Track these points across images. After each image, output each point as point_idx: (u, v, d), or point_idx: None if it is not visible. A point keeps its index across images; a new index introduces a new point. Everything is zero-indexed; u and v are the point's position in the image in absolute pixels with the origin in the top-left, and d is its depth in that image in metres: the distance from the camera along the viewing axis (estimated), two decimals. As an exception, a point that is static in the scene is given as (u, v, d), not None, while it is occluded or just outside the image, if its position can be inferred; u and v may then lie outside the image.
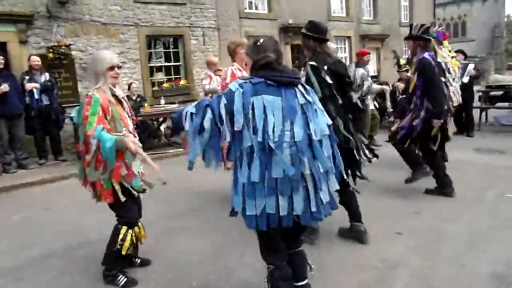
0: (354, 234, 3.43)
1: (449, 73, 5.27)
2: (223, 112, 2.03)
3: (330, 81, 3.10)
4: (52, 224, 4.44)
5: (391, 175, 5.17)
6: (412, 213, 4.09)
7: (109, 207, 2.94)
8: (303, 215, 2.09)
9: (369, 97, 6.96)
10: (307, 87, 2.27)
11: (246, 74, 3.90)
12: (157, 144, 8.85)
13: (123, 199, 2.82)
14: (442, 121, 4.22)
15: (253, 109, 2.03)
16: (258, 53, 2.19)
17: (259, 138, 2.00)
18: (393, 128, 4.58)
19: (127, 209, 2.93)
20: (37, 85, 6.81)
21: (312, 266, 2.51)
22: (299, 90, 2.18)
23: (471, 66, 7.61)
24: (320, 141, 2.13)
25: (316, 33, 3.24)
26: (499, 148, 6.68)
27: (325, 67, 3.12)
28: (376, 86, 7.21)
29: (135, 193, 2.92)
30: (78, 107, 2.86)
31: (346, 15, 15.37)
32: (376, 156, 3.48)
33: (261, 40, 2.26)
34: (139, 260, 3.29)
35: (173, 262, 3.33)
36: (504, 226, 3.62)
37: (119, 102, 2.94)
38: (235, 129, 2.05)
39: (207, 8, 10.88)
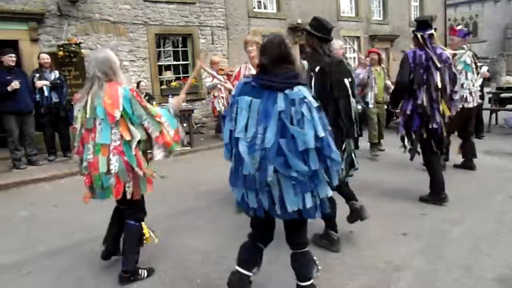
0: (354, 214, 3.44)
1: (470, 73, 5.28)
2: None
3: (313, 84, 2.99)
4: (59, 220, 4.50)
5: (396, 176, 5.15)
6: (418, 214, 4.07)
7: (131, 204, 2.98)
8: (270, 211, 2.25)
9: (372, 100, 6.83)
10: (299, 93, 2.14)
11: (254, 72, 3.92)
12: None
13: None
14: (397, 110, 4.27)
15: (237, 107, 2.22)
16: (260, 54, 2.29)
17: (235, 135, 2.20)
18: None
19: (144, 204, 3.13)
20: (47, 82, 6.91)
21: (320, 268, 2.54)
22: (283, 95, 2.13)
23: (484, 68, 7.51)
24: (304, 151, 2.09)
25: (319, 32, 3.16)
26: (509, 151, 6.61)
27: (317, 68, 3.05)
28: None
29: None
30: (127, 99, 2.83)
31: (356, 15, 15.30)
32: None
33: (265, 40, 2.32)
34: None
35: (177, 260, 3.36)
36: (511, 230, 3.59)
37: None
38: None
39: (216, 7, 10.91)
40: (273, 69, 2.19)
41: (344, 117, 3.05)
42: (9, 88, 6.27)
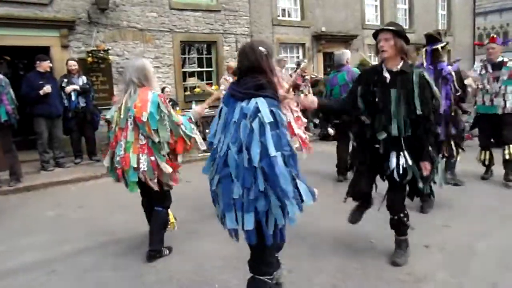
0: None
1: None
2: None
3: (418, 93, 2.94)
4: (84, 221, 4.61)
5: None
6: (441, 226, 3.97)
7: (159, 194, 3.35)
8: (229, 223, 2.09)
9: None
10: (254, 106, 1.98)
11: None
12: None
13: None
14: None
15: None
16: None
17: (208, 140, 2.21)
18: None
19: (169, 193, 3.48)
20: (77, 87, 7.14)
21: None
22: (240, 106, 2.04)
23: None
24: (255, 167, 1.92)
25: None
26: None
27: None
28: None
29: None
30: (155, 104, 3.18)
31: (380, 23, 15.13)
32: None
33: (240, 49, 2.28)
34: None
35: (197, 264, 3.39)
36: (541, 246, 3.46)
37: None
38: None
39: (241, 15, 11.03)
40: (242, 78, 2.13)
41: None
42: (41, 92, 6.52)
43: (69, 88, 7.05)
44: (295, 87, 9.79)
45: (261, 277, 2.19)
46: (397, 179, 3.00)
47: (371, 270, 3.13)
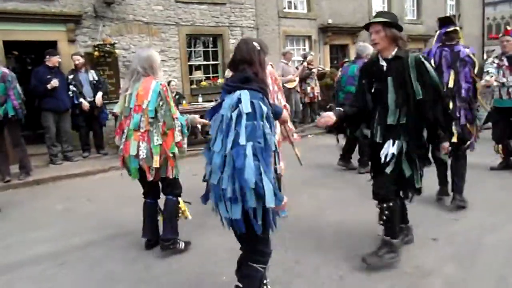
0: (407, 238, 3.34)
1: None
2: None
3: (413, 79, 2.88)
4: (92, 214, 4.66)
5: (429, 179, 4.99)
6: (450, 219, 3.94)
7: (167, 181, 3.39)
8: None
9: None
10: (236, 98, 2.05)
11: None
12: (194, 141, 9.04)
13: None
14: None
15: None
16: None
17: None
18: None
19: (178, 181, 3.47)
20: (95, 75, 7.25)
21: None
22: (229, 99, 2.10)
23: None
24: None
25: (397, 25, 2.94)
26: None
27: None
28: None
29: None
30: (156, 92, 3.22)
31: (388, 14, 14.97)
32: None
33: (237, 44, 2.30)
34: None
35: (205, 256, 3.42)
36: (550, 239, 3.43)
37: None
38: None
39: (247, 7, 10.98)
40: (233, 72, 2.20)
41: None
42: (48, 86, 6.58)
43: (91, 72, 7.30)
44: (302, 80, 9.77)
45: (253, 264, 2.22)
46: (382, 164, 2.95)
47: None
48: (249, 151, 1.93)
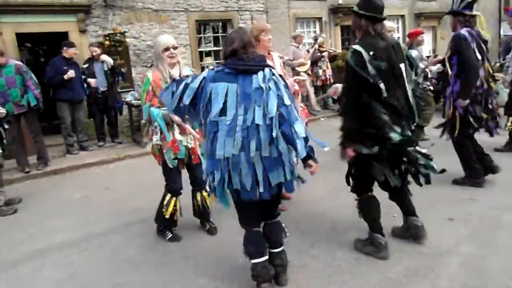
0: (410, 231, 3.11)
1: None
2: (181, 87, 2.40)
3: (371, 71, 2.64)
4: (110, 202, 4.76)
5: (442, 160, 4.93)
6: (467, 199, 3.92)
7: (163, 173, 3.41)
8: (251, 191, 2.33)
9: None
10: (269, 72, 2.34)
11: (270, 62, 3.80)
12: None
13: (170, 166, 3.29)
14: (466, 102, 3.96)
15: (211, 93, 2.30)
16: (226, 46, 2.42)
17: (210, 119, 2.29)
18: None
19: (170, 178, 3.38)
20: (111, 61, 7.29)
21: (288, 234, 2.84)
22: (257, 76, 2.30)
23: None
24: (270, 124, 2.24)
25: (368, 11, 2.73)
26: None
27: (371, 53, 2.65)
28: (434, 67, 6.81)
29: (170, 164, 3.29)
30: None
31: (400, -8, 14.60)
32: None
33: (231, 32, 2.48)
34: (207, 227, 3.71)
35: (222, 239, 3.48)
36: None
37: None
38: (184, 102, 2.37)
39: (255, -10, 10.82)
40: (243, 54, 2.34)
41: (401, 108, 2.75)
42: (65, 77, 6.65)
43: (104, 57, 7.25)
44: (313, 62, 9.66)
45: (278, 219, 2.71)
46: None
47: (393, 243, 3.12)
48: (295, 111, 2.33)
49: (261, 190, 2.32)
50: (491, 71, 4.16)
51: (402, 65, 2.78)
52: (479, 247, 3.01)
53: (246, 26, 2.56)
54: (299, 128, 2.27)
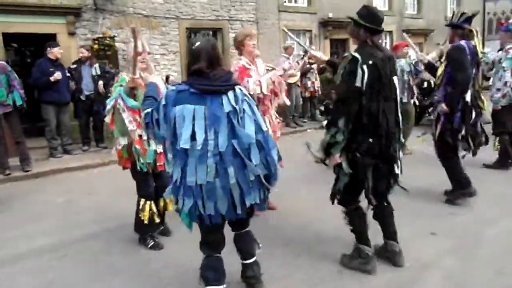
0: (388, 254, 3.06)
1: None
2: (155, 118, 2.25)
3: (367, 81, 2.64)
4: (92, 207, 4.68)
5: (425, 174, 5.01)
6: (448, 214, 3.97)
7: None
8: (227, 214, 2.25)
9: (405, 93, 6.69)
10: (240, 92, 2.24)
11: (254, 68, 3.86)
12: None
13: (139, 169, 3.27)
14: (446, 108, 3.96)
15: (175, 117, 2.13)
16: (192, 60, 2.23)
17: (179, 147, 2.13)
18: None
19: (142, 182, 3.36)
20: (97, 66, 7.19)
21: (260, 245, 2.68)
22: (227, 97, 2.17)
23: None
24: (248, 149, 2.16)
25: (368, 22, 2.74)
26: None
27: (370, 62, 2.66)
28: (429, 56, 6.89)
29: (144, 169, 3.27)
30: None
31: (389, 9, 14.92)
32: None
33: (196, 44, 2.24)
34: (161, 228, 3.67)
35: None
36: (548, 233, 3.45)
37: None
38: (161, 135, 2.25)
39: (247, 1, 10.92)
40: (209, 73, 2.17)
41: (391, 120, 2.76)
42: (52, 79, 6.56)
43: (93, 64, 7.18)
44: (302, 74, 9.75)
45: (248, 229, 2.61)
46: None
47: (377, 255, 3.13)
48: (270, 137, 2.29)
49: (239, 212, 2.25)
50: (478, 87, 4.20)
51: (395, 78, 2.81)
52: (461, 261, 3.04)
53: (211, 38, 2.29)
54: (275, 155, 2.26)
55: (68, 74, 7.07)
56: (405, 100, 6.58)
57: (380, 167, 2.77)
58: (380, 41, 2.92)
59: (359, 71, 2.64)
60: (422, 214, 3.97)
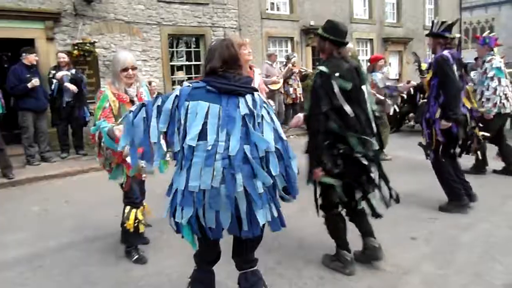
0: (368, 253, 3.07)
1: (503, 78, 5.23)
2: (154, 113, 2.03)
3: (337, 93, 2.70)
4: (70, 216, 4.56)
5: (405, 180, 5.08)
6: (428, 219, 4.02)
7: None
8: (230, 229, 2.02)
9: (388, 101, 6.94)
10: (259, 98, 2.10)
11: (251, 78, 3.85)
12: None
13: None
14: (449, 124, 3.92)
15: (186, 113, 1.97)
16: (206, 61, 2.13)
17: (186, 144, 1.94)
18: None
19: (130, 191, 3.23)
20: (68, 73, 6.99)
21: None
22: (245, 100, 2.02)
23: None
24: (262, 158, 1.99)
25: (334, 35, 2.84)
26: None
27: (337, 74, 2.72)
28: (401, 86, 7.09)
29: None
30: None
31: (369, 17, 15.21)
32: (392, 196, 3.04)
33: (212, 44, 2.17)
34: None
35: (186, 257, 3.36)
36: (523, 237, 3.53)
37: (131, 101, 3.08)
38: (160, 130, 2.02)
39: (229, 8, 10.95)
40: (225, 72, 2.05)
41: (367, 128, 2.82)
42: (29, 85, 6.41)
43: (59, 74, 6.89)
44: (284, 80, 9.82)
45: (256, 268, 2.26)
46: None
47: (356, 261, 3.14)
48: (289, 147, 2.13)
49: (245, 228, 1.99)
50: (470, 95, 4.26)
51: (364, 87, 2.87)
52: (439, 266, 3.08)
53: (232, 36, 2.17)
54: (295, 167, 2.09)
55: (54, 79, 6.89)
56: (377, 114, 6.79)
57: (352, 175, 2.81)
58: (350, 51, 3.01)
59: (330, 84, 2.71)
60: (403, 219, 4.01)
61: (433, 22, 4.15)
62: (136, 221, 3.28)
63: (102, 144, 3.04)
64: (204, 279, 2.28)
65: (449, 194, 4.21)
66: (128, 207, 3.28)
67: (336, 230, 3.02)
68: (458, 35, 4.27)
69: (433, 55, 4.21)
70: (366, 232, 3.08)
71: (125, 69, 3.03)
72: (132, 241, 3.38)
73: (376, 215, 3.02)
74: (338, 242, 3.04)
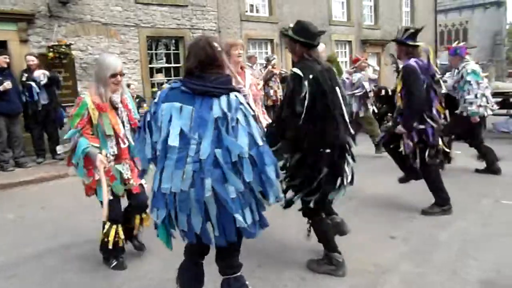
0: (335, 229, 3.15)
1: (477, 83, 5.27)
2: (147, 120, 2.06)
3: (311, 94, 2.69)
4: (47, 222, 4.44)
5: (385, 180, 5.17)
6: (407, 218, 4.09)
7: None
8: (202, 235, 1.97)
9: (368, 102, 7.12)
10: (236, 99, 1.99)
11: (240, 80, 3.84)
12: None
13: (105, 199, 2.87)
14: (404, 130, 3.95)
15: (161, 115, 1.96)
16: (186, 58, 2.09)
17: (159, 146, 1.95)
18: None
19: (109, 206, 2.98)
20: (46, 72, 6.78)
21: None
22: (219, 101, 1.95)
23: None
24: (235, 163, 1.92)
25: (304, 37, 2.82)
26: (497, 155, 6.66)
27: (310, 76, 2.70)
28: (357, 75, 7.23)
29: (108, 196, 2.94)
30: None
31: (347, 20, 15.42)
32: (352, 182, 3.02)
33: (192, 43, 2.11)
34: (136, 243, 3.50)
35: (166, 262, 3.33)
36: (497, 234, 3.63)
37: (114, 108, 2.99)
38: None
39: (208, 10, 10.92)
40: (200, 73, 1.99)
41: (342, 129, 2.82)
42: (1, 88, 6.22)
43: (37, 72, 6.67)
44: (265, 82, 9.83)
45: (239, 273, 2.20)
46: None
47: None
48: (269, 152, 2.01)
49: (216, 234, 1.96)
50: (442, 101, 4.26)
51: (337, 88, 2.85)
52: (418, 264, 3.13)
53: (210, 37, 2.03)
54: (272, 174, 1.99)
55: (34, 85, 6.67)
56: (361, 115, 6.97)
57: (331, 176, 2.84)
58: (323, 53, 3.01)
59: (303, 87, 2.69)
60: (382, 219, 4.07)
61: (398, 28, 4.14)
62: (116, 236, 3.15)
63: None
64: (191, 268, 2.27)
65: (436, 197, 4.21)
66: (108, 223, 3.13)
67: (324, 234, 3.03)
68: (422, 43, 4.12)
69: (399, 61, 4.23)
70: (329, 212, 3.25)
71: (115, 75, 2.94)
72: (110, 253, 3.24)
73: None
74: (327, 246, 3.05)
